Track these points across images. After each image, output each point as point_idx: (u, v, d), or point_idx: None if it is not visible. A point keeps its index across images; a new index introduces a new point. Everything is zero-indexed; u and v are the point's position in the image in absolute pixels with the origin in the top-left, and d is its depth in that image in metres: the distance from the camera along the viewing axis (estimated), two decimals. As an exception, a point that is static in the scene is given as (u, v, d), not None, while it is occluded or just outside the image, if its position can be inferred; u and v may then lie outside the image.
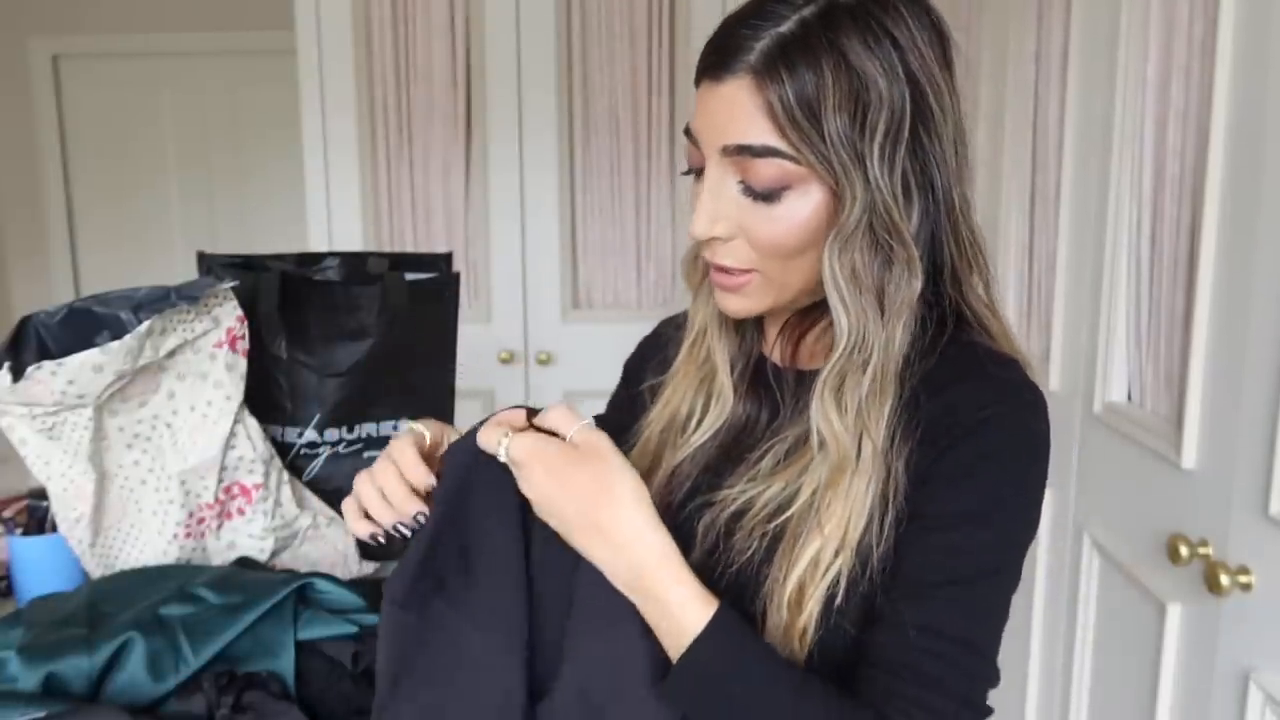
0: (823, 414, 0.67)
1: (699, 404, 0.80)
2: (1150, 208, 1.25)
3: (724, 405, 0.79)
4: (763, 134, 0.63)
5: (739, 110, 0.64)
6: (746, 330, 0.81)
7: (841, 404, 0.66)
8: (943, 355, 0.68)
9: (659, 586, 0.63)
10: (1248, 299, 1.01)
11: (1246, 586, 1.01)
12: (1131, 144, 1.28)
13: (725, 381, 0.79)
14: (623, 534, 0.63)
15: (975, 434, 0.65)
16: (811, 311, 0.74)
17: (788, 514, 0.68)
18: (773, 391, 0.77)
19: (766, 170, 0.64)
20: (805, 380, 0.73)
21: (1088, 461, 1.43)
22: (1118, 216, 1.32)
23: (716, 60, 0.65)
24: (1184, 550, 1.09)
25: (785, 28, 0.63)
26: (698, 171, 0.69)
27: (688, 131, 0.69)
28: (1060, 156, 1.53)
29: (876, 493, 0.65)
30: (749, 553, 0.69)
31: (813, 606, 0.65)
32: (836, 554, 0.65)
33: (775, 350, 0.78)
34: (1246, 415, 1.01)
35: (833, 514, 0.66)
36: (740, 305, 0.72)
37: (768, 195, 0.65)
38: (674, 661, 0.63)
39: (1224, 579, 1.01)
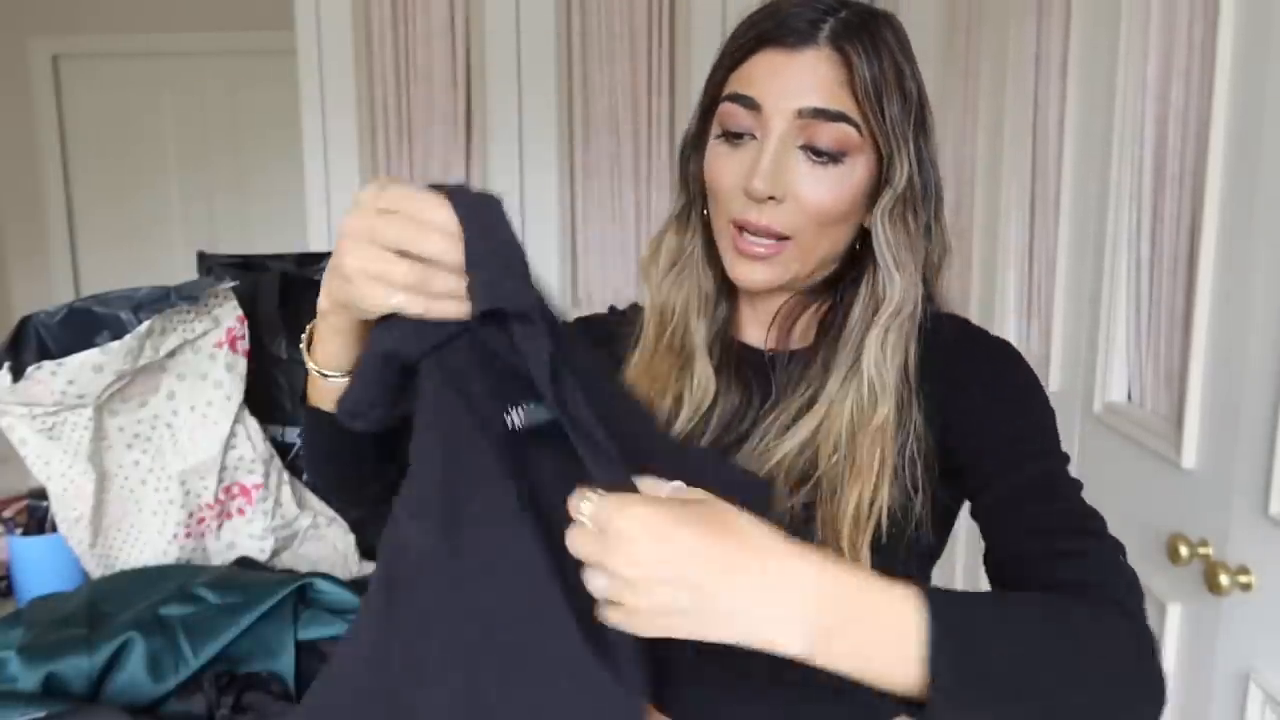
0: (874, 361, 0.73)
1: (680, 391, 0.81)
2: (1150, 208, 1.25)
3: (705, 390, 0.79)
4: (839, 101, 0.70)
5: (820, 78, 0.70)
6: (720, 314, 0.82)
7: (887, 351, 0.73)
8: (938, 320, 0.77)
9: (856, 595, 0.51)
10: (1248, 299, 1.01)
11: (1246, 586, 1.01)
12: (1131, 145, 1.28)
13: (705, 366, 0.80)
14: (778, 563, 0.51)
15: (985, 362, 0.76)
16: (814, 294, 0.79)
17: (819, 471, 0.72)
18: (762, 375, 0.79)
19: (833, 134, 0.70)
20: (798, 359, 0.77)
21: (1088, 462, 1.43)
22: (1118, 217, 1.32)
23: (788, 31, 0.71)
24: (1184, 550, 1.09)
25: (844, 16, 0.71)
26: (734, 134, 0.73)
27: (737, 97, 0.73)
28: (1060, 158, 1.53)
29: (907, 436, 0.72)
30: (787, 519, 0.71)
31: (865, 553, 0.70)
32: (874, 498, 0.70)
33: (770, 335, 0.79)
34: (1246, 415, 1.01)
35: (867, 455, 0.71)
36: (765, 275, 0.74)
37: (829, 157, 0.71)
38: (924, 661, 0.51)
39: (1224, 579, 1.01)
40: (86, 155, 3.91)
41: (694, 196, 0.80)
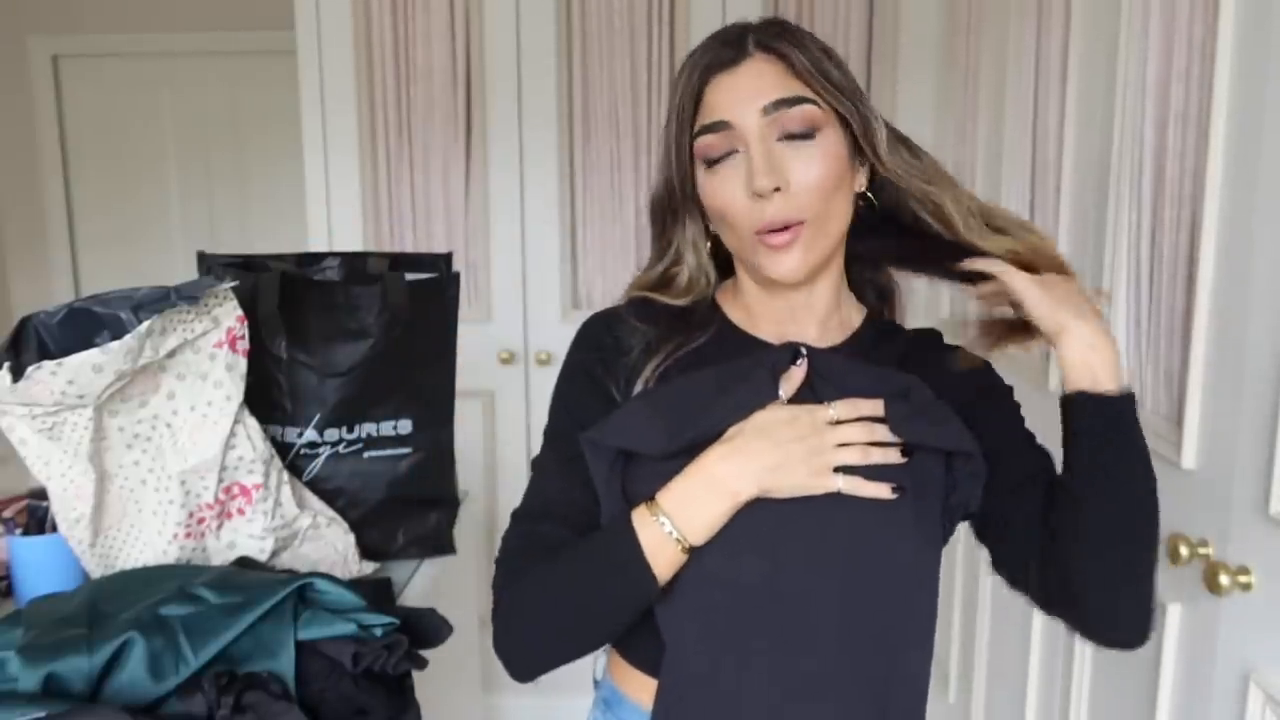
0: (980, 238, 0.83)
1: None
2: (1150, 208, 1.25)
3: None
4: (791, 89, 0.79)
5: (766, 78, 0.80)
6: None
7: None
8: (919, 335, 0.94)
9: None
10: (1248, 299, 1.01)
11: (1246, 586, 1.01)
12: (1131, 145, 1.28)
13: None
14: None
15: (975, 371, 0.90)
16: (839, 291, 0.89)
17: None
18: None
19: (800, 116, 0.79)
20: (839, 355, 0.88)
21: (1088, 461, 1.42)
22: (1118, 217, 1.32)
23: (721, 56, 0.81)
24: (1184, 550, 1.09)
25: (758, 26, 0.82)
26: (713, 161, 0.81)
27: (706, 129, 0.81)
28: (1060, 158, 1.53)
29: None
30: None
31: None
32: None
33: (825, 330, 0.88)
34: (1246, 415, 1.01)
35: None
36: (797, 260, 0.81)
37: (805, 135, 0.79)
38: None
39: (1224, 579, 1.01)
40: (86, 155, 3.91)
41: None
